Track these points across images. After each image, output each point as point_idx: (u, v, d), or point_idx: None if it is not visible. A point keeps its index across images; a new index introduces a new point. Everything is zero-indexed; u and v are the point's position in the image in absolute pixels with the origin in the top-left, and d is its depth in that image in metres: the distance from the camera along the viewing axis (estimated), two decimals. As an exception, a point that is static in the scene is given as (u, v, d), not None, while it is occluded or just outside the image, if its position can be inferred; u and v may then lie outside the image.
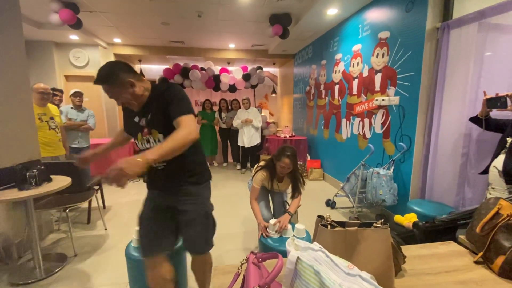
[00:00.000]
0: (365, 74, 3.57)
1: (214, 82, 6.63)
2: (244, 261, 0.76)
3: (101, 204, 3.50)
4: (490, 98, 1.85)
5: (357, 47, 3.77)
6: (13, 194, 1.93)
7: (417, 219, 2.10)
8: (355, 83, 3.85)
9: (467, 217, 1.80)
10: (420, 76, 2.63)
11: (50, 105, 3.17)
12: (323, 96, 4.97)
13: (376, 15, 3.32)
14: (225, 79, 6.60)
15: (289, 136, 5.51)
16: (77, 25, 3.88)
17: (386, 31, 3.12)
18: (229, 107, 6.00)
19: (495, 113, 1.95)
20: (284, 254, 0.69)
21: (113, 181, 1.01)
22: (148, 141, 1.44)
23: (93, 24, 4.68)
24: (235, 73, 6.71)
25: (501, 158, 1.77)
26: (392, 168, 2.95)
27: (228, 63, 7.36)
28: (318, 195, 4.09)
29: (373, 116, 3.42)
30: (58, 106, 3.62)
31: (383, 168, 2.96)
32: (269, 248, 1.84)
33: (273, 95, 8.05)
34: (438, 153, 2.54)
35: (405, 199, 2.84)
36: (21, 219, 2.46)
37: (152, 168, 1.46)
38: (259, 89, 7.76)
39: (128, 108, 1.49)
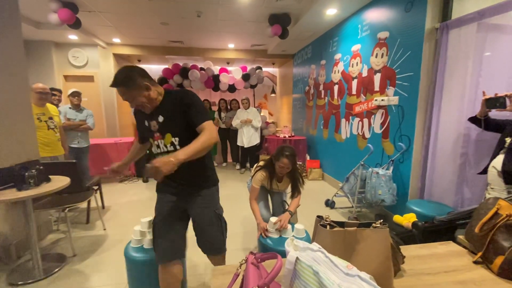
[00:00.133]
0: (364, 74, 3.57)
1: (213, 82, 6.62)
2: (243, 262, 0.76)
3: (100, 204, 3.50)
4: (489, 98, 1.86)
5: (356, 47, 3.77)
6: (12, 194, 1.93)
7: (416, 219, 2.11)
8: (354, 83, 3.85)
9: (466, 217, 1.81)
10: (419, 76, 2.63)
11: (49, 105, 3.16)
12: (322, 96, 4.98)
13: (376, 15, 3.32)
14: (224, 79, 6.60)
15: (289, 136, 5.51)
16: (76, 25, 3.88)
17: (385, 31, 3.12)
18: (228, 107, 5.99)
19: (494, 113, 1.95)
20: (283, 254, 0.69)
21: (151, 176, 1.16)
22: (159, 146, 1.51)
23: (92, 24, 4.67)
24: (235, 73, 6.71)
25: (500, 158, 1.77)
26: (391, 168, 2.95)
27: (228, 63, 7.35)
28: (317, 195, 4.09)
29: (372, 116, 3.42)
30: (57, 106, 3.62)
31: (382, 168, 2.96)
32: (268, 248, 1.84)
33: (273, 95, 8.05)
34: (437, 153, 2.54)
35: (404, 199, 2.84)
36: (20, 219, 2.45)
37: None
38: (259, 89, 7.76)
39: (139, 114, 1.57)
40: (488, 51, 2.16)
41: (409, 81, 2.77)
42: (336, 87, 4.43)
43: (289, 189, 2.34)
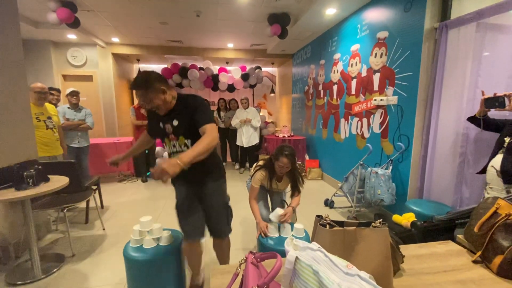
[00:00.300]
0: (364, 74, 3.57)
1: (212, 81, 6.62)
2: (243, 261, 0.76)
3: (99, 204, 3.49)
4: (488, 98, 1.86)
5: (355, 47, 3.77)
6: (11, 194, 1.92)
7: (415, 219, 2.11)
8: (353, 83, 3.85)
9: (465, 216, 1.81)
10: (418, 76, 2.63)
11: (47, 105, 3.15)
12: (321, 96, 4.98)
13: (375, 15, 3.32)
14: (223, 79, 6.60)
15: (288, 136, 5.51)
16: (74, 24, 3.86)
17: (384, 31, 3.13)
18: (228, 107, 5.99)
19: (493, 113, 1.96)
20: (283, 254, 0.69)
21: (157, 177, 1.24)
22: (174, 146, 1.70)
23: (91, 23, 4.66)
24: (234, 72, 6.70)
25: (499, 157, 1.77)
26: (390, 167, 2.96)
27: (227, 63, 7.35)
28: (316, 194, 4.10)
29: (372, 116, 3.43)
30: (55, 105, 3.61)
31: (382, 168, 2.96)
32: (268, 248, 1.84)
33: (272, 95, 8.05)
34: (436, 153, 2.54)
35: (403, 198, 2.85)
36: (18, 219, 2.44)
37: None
38: (258, 89, 7.76)
39: (153, 113, 1.70)
40: (487, 51, 2.16)
41: (408, 81, 2.77)
42: (335, 87, 4.43)
43: (288, 189, 2.34)
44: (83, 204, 3.10)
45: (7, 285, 2.04)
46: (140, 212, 3.42)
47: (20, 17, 2.59)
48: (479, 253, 0.99)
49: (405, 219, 2.16)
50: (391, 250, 0.85)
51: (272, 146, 5.42)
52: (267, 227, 1.98)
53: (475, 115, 2.00)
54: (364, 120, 3.60)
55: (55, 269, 2.22)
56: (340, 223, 0.86)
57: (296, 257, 0.66)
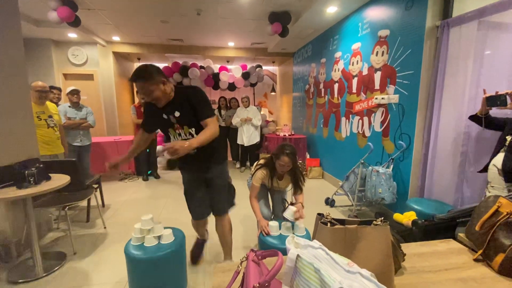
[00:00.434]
0: (365, 72, 3.57)
1: (213, 80, 6.62)
2: (244, 259, 0.76)
3: (100, 202, 3.49)
4: (489, 96, 1.85)
5: (356, 45, 3.76)
6: (12, 192, 1.93)
7: (416, 217, 2.11)
8: (354, 81, 3.84)
9: (467, 215, 1.81)
10: (419, 75, 2.63)
11: (48, 103, 3.16)
12: (322, 94, 4.97)
13: (376, 13, 3.31)
14: (224, 78, 6.59)
15: (289, 135, 5.50)
16: (75, 22, 3.86)
17: (385, 29, 3.12)
18: (228, 106, 5.98)
19: (495, 111, 1.95)
20: (284, 252, 0.69)
21: (171, 154, 1.46)
22: (180, 134, 1.84)
23: (91, 22, 4.66)
24: (235, 71, 6.70)
25: (500, 156, 1.77)
26: (392, 166, 2.95)
27: (228, 62, 7.34)
28: (317, 193, 4.10)
29: (373, 114, 3.42)
30: (56, 104, 3.61)
31: (383, 167, 2.96)
32: (269, 246, 1.84)
33: (273, 93, 8.04)
34: (438, 152, 2.54)
35: (404, 197, 2.84)
36: (20, 217, 2.45)
37: (187, 154, 1.77)
38: (259, 87, 7.75)
39: (150, 108, 1.82)
40: (489, 49, 2.15)
41: (409, 80, 2.76)
42: (336, 86, 4.42)
43: (289, 187, 2.34)
44: (84, 203, 3.11)
45: (9, 283, 2.05)
46: (141, 211, 3.42)
47: (21, 15, 2.59)
48: (480, 251, 0.99)
49: (406, 217, 2.15)
50: (392, 248, 0.85)
51: (273, 145, 5.41)
52: (268, 225, 1.98)
53: (476, 113, 1.99)
54: (365, 118, 3.59)
55: (57, 267, 2.23)
56: (342, 221, 0.86)
57: (298, 255, 0.66)
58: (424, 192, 2.67)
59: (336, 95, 4.43)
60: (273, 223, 1.96)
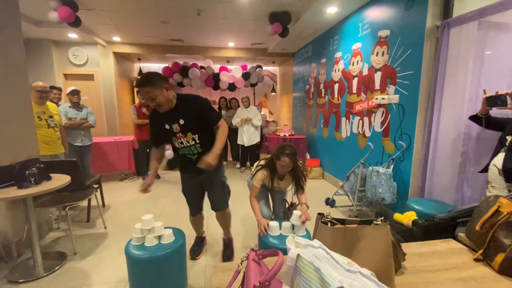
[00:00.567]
0: (365, 72, 3.57)
1: (213, 80, 6.62)
2: (244, 258, 0.76)
3: (100, 202, 3.50)
4: (490, 96, 1.85)
5: (357, 45, 3.76)
6: (13, 192, 1.93)
7: (416, 217, 2.11)
8: (354, 81, 3.84)
9: (467, 215, 1.81)
10: (420, 75, 2.63)
11: (49, 103, 3.16)
12: (322, 94, 4.97)
13: (376, 13, 3.31)
14: (224, 78, 6.60)
15: (289, 135, 5.50)
16: (76, 23, 3.87)
17: (386, 29, 3.12)
18: (229, 106, 5.99)
19: (495, 112, 1.95)
20: (284, 252, 0.69)
21: (208, 168, 1.75)
22: (182, 142, 1.96)
23: (92, 22, 4.66)
24: (235, 71, 6.70)
25: (500, 156, 1.77)
26: (392, 166, 2.95)
27: (228, 62, 7.34)
28: (317, 193, 4.10)
29: (373, 114, 3.42)
30: (56, 103, 3.61)
31: (383, 167, 2.96)
32: (269, 246, 1.83)
33: (273, 94, 8.04)
34: (438, 152, 2.54)
35: (405, 197, 2.84)
36: (20, 217, 2.45)
37: (187, 159, 2.05)
38: (259, 87, 7.75)
39: (154, 121, 1.99)
40: (489, 49, 2.15)
41: (409, 80, 2.76)
42: (336, 86, 4.42)
43: (289, 188, 2.34)
44: (84, 203, 3.11)
45: (9, 283, 2.05)
46: (141, 211, 3.42)
47: (21, 16, 2.59)
48: (480, 251, 0.99)
49: (406, 217, 2.15)
50: (392, 248, 0.85)
51: (273, 145, 5.41)
52: (267, 224, 1.98)
53: (477, 113, 1.99)
54: (365, 119, 3.59)
55: (57, 267, 2.23)
56: (342, 221, 0.86)
57: (298, 255, 0.66)
58: (425, 192, 2.67)
59: (336, 95, 4.43)
60: (273, 223, 1.96)
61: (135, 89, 6.62)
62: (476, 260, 0.99)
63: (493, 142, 1.91)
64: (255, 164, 2.35)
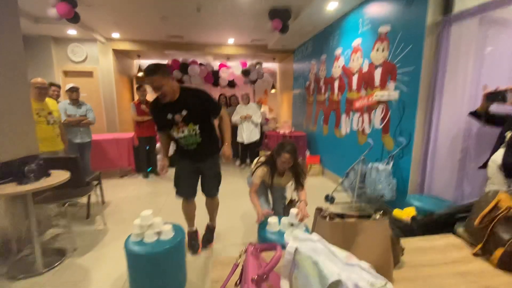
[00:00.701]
0: (365, 69, 3.55)
1: (213, 77, 6.61)
2: (243, 252, 0.76)
3: (100, 199, 3.50)
4: (490, 93, 1.85)
5: (357, 41, 3.75)
6: (12, 188, 1.93)
7: (415, 214, 2.10)
8: (354, 78, 3.83)
9: (466, 210, 1.80)
10: (420, 71, 2.62)
11: (48, 100, 3.15)
12: (322, 91, 4.96)
13: (376, 9, 3.29)
14: (224, 75, 6.58)
15: (288, 132, 5.50)
16: (75, 19, 3.85)
17: (386, 25, 3.10)
18: (228, 103, 5.97)
19: (495, 108, 1.94)
20: (284, 247, 0.69)
21: (227, 161, 2.15)
22: (183, 131, 2.04)
23: (91, 19, 4.64)
24: (234, 68, 6.69)
25: (500, 152, 1.76)
26: (391, 163, 2.95)
27: (227, 59, 7.31)
28: (317, 190, 4.09)
29: (373, 111, 3.41)
30: (56, 100, 3.61)
31: (382, 163, 2.95)
32: (268, 241, 1.83)
33: (273, 90, 8.02)
34: (438, 148, 2.53)
35: (404, 194, 2.84)
36: (20, 213, 2.45)
37: (186, 149, 2.13)
38: (259, 84, 7.72)
39: (155, 111, 2.07)
40: (490, 45, 2.14)
41: (410, 76, 2.75)
42: (336, 82, 4.41)
43: (289, 184, 2.34)
44: (84, 199, 3.11)
45: (9, 279, 2.05)
46: (141, 207, 3.39)
47: (20, 12, 2.58)
48: (479, 246, 0.99)
49: (406, 214, 2.15)
50: (391, 242, 0.85)
51: (273, 142, 5.41)
52: (266, 213, 2.00)
53: (476, 110, 1.99)
54: (365, 115, 3.58)
55: (57, 264, 2.24)
56: (341, 215, 0.86)
57: (296, 248, 0.66)
58: (424, 188, 2.67)
59: (336, 92, 4.42)
60: (273, 219, 1.96)
61: (135, 86, 6.61)
62: (475, 254, 0.99)
63: (493, 138, 1.90)
64: (255, 161, 2.35)
